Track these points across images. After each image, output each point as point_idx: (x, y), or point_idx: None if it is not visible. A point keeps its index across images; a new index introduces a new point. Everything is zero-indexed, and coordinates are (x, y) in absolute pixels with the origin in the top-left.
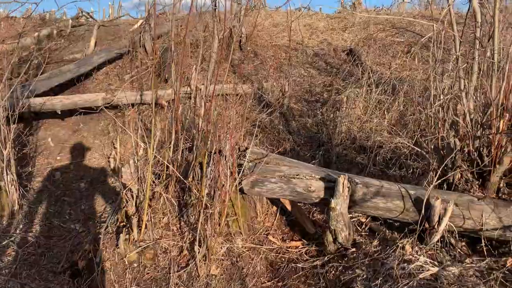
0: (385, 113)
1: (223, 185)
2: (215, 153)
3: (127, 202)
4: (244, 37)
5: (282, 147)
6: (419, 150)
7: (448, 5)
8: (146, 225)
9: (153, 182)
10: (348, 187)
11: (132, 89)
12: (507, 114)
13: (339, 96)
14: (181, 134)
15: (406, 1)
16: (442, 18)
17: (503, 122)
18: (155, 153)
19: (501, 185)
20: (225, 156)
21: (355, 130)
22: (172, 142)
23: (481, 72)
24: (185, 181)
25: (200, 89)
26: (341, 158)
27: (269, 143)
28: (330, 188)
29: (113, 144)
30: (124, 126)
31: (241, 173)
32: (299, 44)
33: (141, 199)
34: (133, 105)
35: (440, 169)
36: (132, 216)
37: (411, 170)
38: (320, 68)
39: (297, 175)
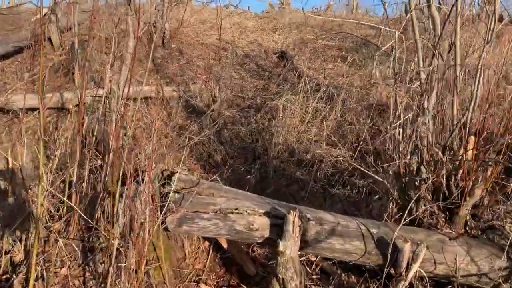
0: (323, 122)
1: (142, 224)
2: (132, 179)
3: (13, 246)
4: (168, 33)
5: (214, 162)
6: (368, 172)
7: (411, 11)
8: (34, 284)
9: (50, 216)
10: (300, 226)
11: (32, 90)
12: (472, 137)
13: (274, 102)
14: (88, 151)
15: (332, 3)
16: (402, 25)
17: (471, 146)
18: (53, 176)
19: (468, 218)
20: (144, 184)
21: (292, 141)
22: (76, 163)
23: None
24: (90, 221)
25: (114, 91)
26: (279, 172)
27: (199, 155)
28: (277, 226)
29: (6, 158)
30: (20, 135)
31: (165, 207)
32: (228, 44)
33: (32, 241)
34: (34, 109)
35: (402, 202)
36: (19, 265)
37: (357, 189)
38: (251, 70)
39: (236, 210)
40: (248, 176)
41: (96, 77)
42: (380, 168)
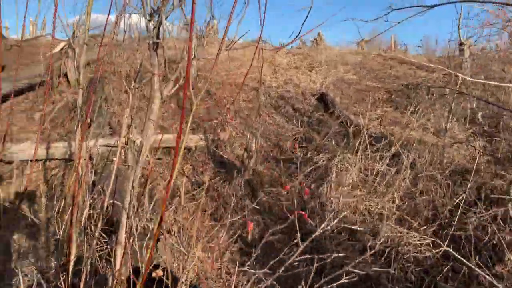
0: (387, 189)
1: None
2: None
3: None
4: (196, 72)
5: (249, 236)
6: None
7: None
8: None
9: None
10: None
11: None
12: None
13: (319, 157)
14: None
15: (366, 39)
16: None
17: None
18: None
19: None
20: None
21: (351, 215)
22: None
23: None
24: None
25: (134, 142)
26: (337, 261)
27: (230, 226)
28: None
29: None
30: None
31: None
32: (260, 83)
33: None
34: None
35: None
36: None
37: None
38: (287, 115)
39: None
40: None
41: (113, 121)
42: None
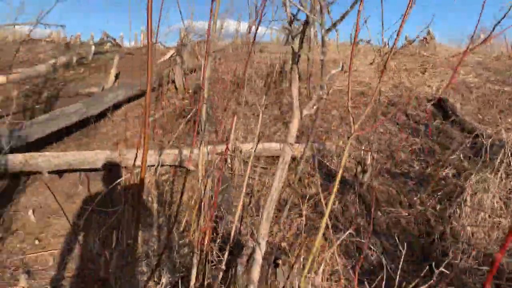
0: None
1: None
2: None
3: None
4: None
5: (363, 261)
6: None
7: None
8: None
9: None
10: None
11: (149, 141)
12: None
13: (443, 172)
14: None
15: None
16: None
17: None
18: None
19: None
20: None
21: (495, 247)
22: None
23: None
24: None
25: (240, 151)
26: None
27: (344, 249)
28: None
29: None
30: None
31: None
32: (365, 87)
33: None
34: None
35: None
36: None
37: None
38: (400, 122)
39: None
40: None
41: (219, 128)
42: None
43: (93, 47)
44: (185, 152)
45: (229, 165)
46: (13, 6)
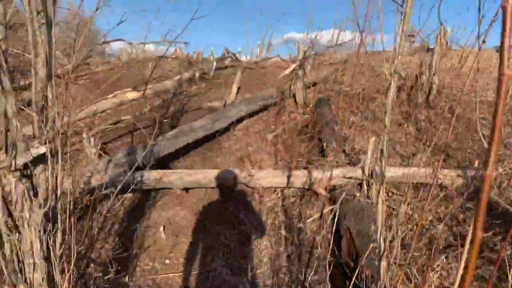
0: None
1: None
2: None
3: None
4: (435, 88)
5: None
6: None
7: None
8: None
9: None
10: None
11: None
12: None
13: None
14: None
15: None
16: None
17: None
18: None
19: None
20: None
21: None
22: None
23: None
24: None
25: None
26: None
27: None
28: None
29: None
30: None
31: None
32: None
33: None
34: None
35: None
36: None
37: None
38: None
39: None
40: None
41: (347, 146)
42: None
43: (214, 63)
44: (314, 173)
45: (365, 192)
46: (143, 25)
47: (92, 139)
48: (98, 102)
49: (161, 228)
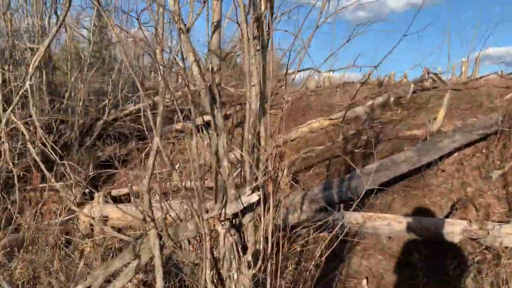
0: None
1: None
2: None
3: None
4: None
5: None
6: None
7: None
8: None
9: None
10: None
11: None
12: None
13: None
14: None
15: None
16: None
17: None
18: None
19: None
20: None
21: None
22: None
23: None
24: None
25: None
26: None
27: None
28: None
29: None
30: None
31: None
32: None
33: None
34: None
35: None
36: None
37: None
38: None
39: None
40: None
41: None
42: None
43: (411, 85)
44: None
45: None
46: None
47: (285, 169)
48: (291, 132)
49: (364, 282)
